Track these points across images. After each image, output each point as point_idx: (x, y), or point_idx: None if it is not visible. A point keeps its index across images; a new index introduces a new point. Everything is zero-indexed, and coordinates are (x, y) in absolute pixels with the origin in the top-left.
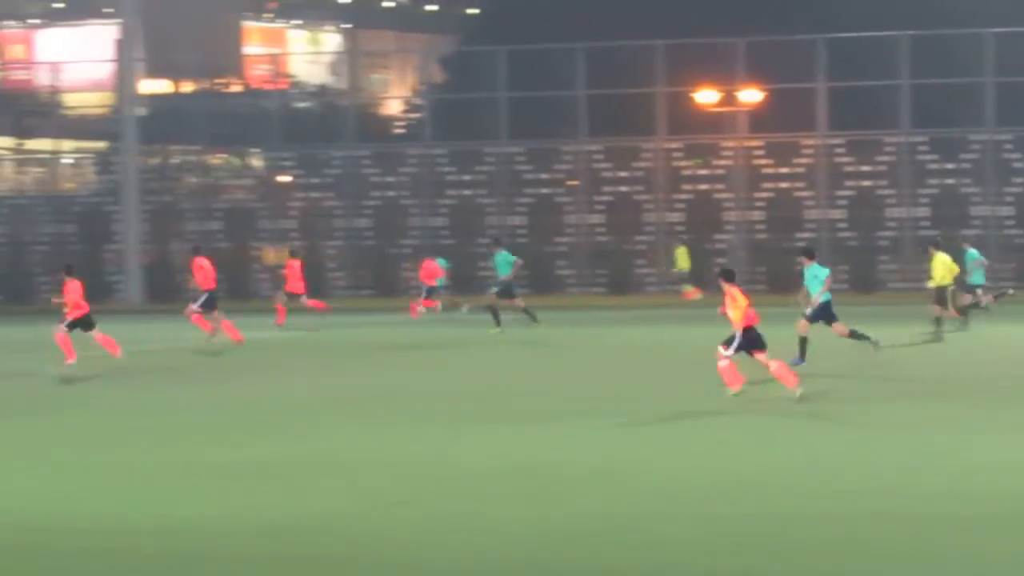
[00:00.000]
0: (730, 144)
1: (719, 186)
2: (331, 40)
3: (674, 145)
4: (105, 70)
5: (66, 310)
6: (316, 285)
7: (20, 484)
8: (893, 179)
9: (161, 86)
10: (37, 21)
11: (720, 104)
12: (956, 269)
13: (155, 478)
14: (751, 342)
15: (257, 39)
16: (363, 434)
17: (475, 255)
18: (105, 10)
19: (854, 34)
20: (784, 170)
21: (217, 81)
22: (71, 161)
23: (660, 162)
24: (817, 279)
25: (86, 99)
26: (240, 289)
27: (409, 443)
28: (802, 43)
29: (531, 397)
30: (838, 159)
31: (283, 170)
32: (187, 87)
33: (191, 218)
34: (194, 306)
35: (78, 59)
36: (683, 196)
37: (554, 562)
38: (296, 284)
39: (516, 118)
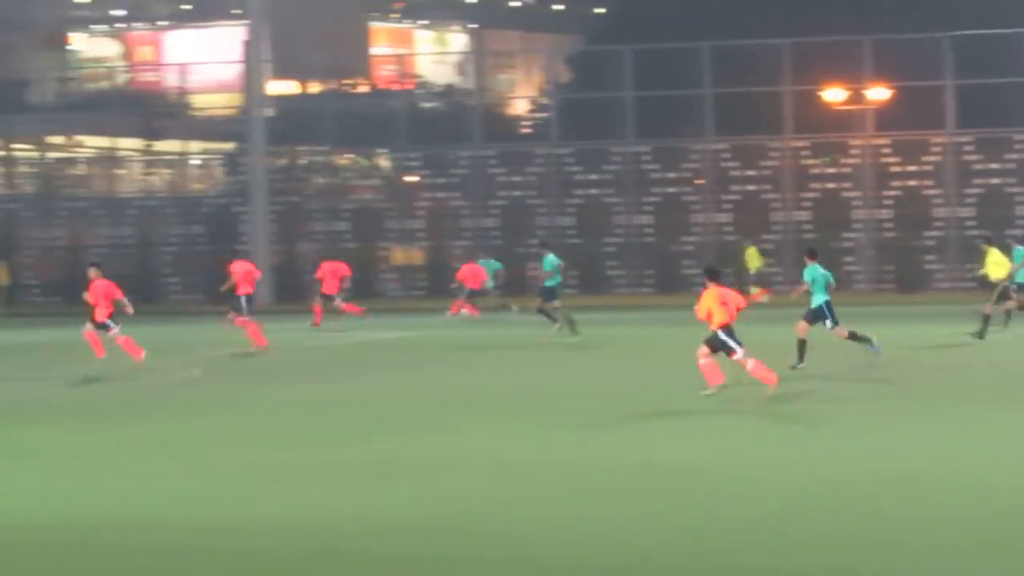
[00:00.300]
0: (857, 142)
1: (846, 184)
2: (457, 40)
3: (801, 143)
4: (233, 71)
5: (101, 310)
6: (441, 285)
7: (142, 484)
8: (1023, 177)
9: (288, 87)
10: (165, 23)
11: (847, 102)
12: None
13: (276, 477)
14: (715, 344)
15: (384, 40)
16: (482, 433)
17: (602, 255)
18: (233, 11)
19: (980, 31)
20: (912, 168)
21: (344, 82)
22: (199, 162)
23: (787, 161)
24: (818, 281)
25: (214, 100)
26: (367, 289)
27: (535, 442)
28: (927, 41)
29: (658, 394)
30: (966, 157)
31: (410, 170)
32: (314, 88)
33: (318, 219)
34: (238, 316)
35: (206, 60)
36: (810, 195)
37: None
38: (331, 285)
39: (642, 117)
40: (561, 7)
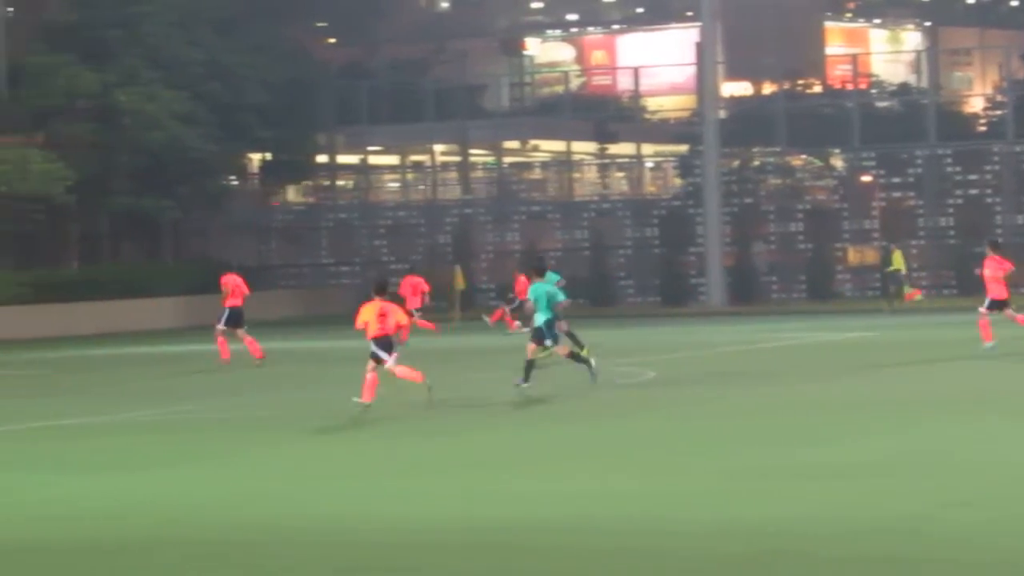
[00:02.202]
0: None
1: None
2: (911, 38)
3: None
4: (686, 73)
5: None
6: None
7: (586, 487)
8: None
9: (741, 88)
10: (618, 27)
11: None
12: None
13: (732, 479)
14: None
15: (837, 39)
16: (936, 433)
17: None
18: (686, 14)
19: None
20: None
21: (798, 82)
22: (652, 165)
23: None
24: (541, 300)
25: (667, 103)
26: (822, 291)
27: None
28: None
29: None
30: None
31: (864, 170)
32: (767, 88)
33: (772, 220)
34: (219, 326)
35: (659, 63)
36: None
37: None
38: (414, 300)
39: None
40: (1016, 3)
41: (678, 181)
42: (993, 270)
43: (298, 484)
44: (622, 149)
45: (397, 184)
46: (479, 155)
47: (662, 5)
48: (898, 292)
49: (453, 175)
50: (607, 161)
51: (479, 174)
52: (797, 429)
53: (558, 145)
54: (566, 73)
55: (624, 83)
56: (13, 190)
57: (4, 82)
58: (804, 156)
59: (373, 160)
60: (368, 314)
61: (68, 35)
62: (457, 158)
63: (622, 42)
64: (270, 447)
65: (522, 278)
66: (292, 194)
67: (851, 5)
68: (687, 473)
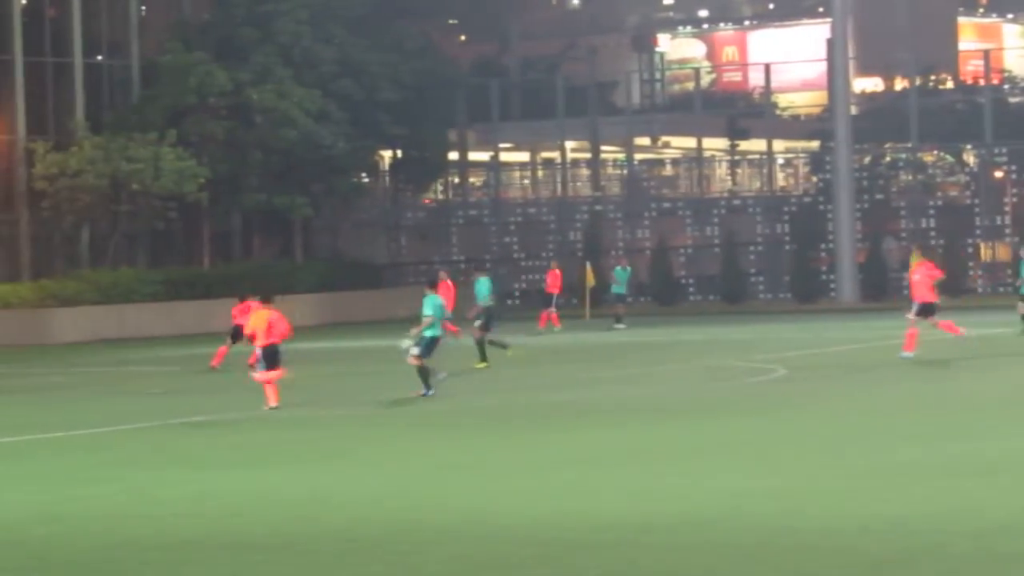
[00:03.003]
0: None
1: None
2: None
3: None
4: (817, 70)
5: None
6: None
7: (732, 483)
8: None
9: (873, 84)
10: (749, 23)
11: None
12: None
13: (875, 476)
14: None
15: (970, 34)
16: None
17: None
18: (817, 10)
19: None
20: None
21: (930, 78)
22: (783, 161)
23: None
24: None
25: (798, 99)
26: (955, 287)
27: None
28: None
29: None
30: None
31: (997, 166)
32: (899, 84)
33: (904, 216)
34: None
35: (790, 59)
36: None
37: None
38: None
39: None
40: None
41: (812, 178)
42: (923, 275)
43: (433, 480)
44: (753, 145)
45: (527, 181)
46: (610, 152)
47: (793, 1)
48: None
49: (584, 172)
50: (738, 157)
51: (610, 171)
52: (941, 425)
53: (689, 141)
54: (697, 69)
55: (755, 79)
56: (147, 188)
57: (138, 81)
58: (936, 152)
59: (504, 157)
60: (257, 323)
61: (201, 34)
62: (588, 155)
63: (753, 38)
64: (411, 442)
65: (554, 272)
66: (423, 191)
67: (984, 0)
68: (830, 469)
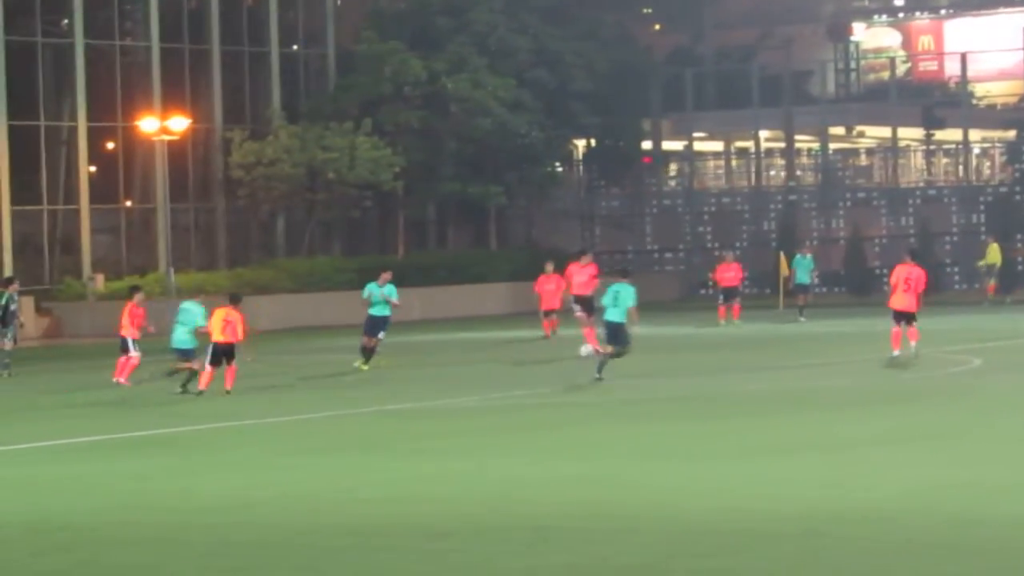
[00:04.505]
0: None
1: None
2: None
3: None
4: (1014, 59)
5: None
6: None
7: (912, 475)
8: None
9: None
10: (946, 12)
11: None
12: None
13: None
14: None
15: None
16: None
17: None
18: None
19: None
20: None
21: None
22: (979, 151)
23: None
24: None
25: (995, 88)
26: None
27: None
28: None
29: None
30: None
31: None
32: None
33: None
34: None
35: (987, 48)
36: None
37: None
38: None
39: None
40: None
41: (1009, 168)
42: (901, 279)
43: (623, 468)
44: (949, 135)
45: (721, 170)
46: (804, 141)
47: None
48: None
49: (778, 161)
50: (933, 147)
51: (804, 160)
52: None
53: (884, 131)
54: (892, 59)
55: (951, 68)
56: (342, 177)
57: (333, 70)
58: None
59: (698, 146)
60: (216, 321)
61: (396, 23)
62: (782, 144)
63: (949, 27)
64: (607, 429)
65: (727, 264)
66: (617, 181)
67: None
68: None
